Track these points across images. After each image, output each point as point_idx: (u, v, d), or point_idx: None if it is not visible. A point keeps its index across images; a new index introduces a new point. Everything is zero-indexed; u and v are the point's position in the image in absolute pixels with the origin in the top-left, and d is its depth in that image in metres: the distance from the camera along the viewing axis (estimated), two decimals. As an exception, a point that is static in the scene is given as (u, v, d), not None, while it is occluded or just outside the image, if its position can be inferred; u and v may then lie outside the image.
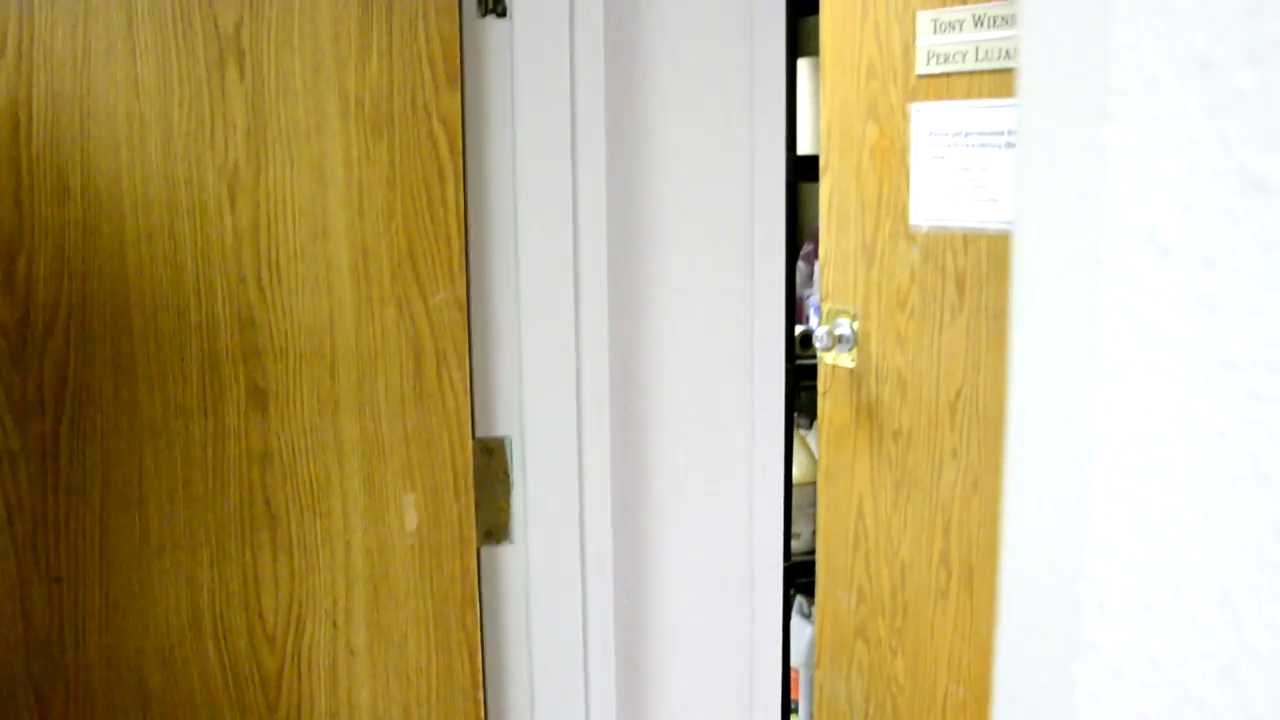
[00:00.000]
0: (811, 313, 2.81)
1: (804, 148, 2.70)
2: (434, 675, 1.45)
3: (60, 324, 1.29)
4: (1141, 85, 0.37)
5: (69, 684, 1.35)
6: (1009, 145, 2.08)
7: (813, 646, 2.72)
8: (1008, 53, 2.09)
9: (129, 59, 1.28)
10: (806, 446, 2.85)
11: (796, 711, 2.81)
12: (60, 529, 1.32)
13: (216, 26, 1.31)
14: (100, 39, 1.27)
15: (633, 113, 1.48)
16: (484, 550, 1.48)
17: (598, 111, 1.43)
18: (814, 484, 2.68)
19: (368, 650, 1.43)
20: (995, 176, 2.12)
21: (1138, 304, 0.38)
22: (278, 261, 1.35)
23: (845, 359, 2.47)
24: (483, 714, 1.48)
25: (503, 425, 1.47)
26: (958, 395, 2.23)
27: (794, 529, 2.74)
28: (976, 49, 2.13)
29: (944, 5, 2.17)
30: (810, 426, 2.94)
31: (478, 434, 1.46)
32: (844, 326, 2.46)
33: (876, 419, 2.42)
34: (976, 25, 2.13)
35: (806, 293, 2.88)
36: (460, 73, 1.38)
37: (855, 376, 2.46)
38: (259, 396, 1.36)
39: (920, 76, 2.23)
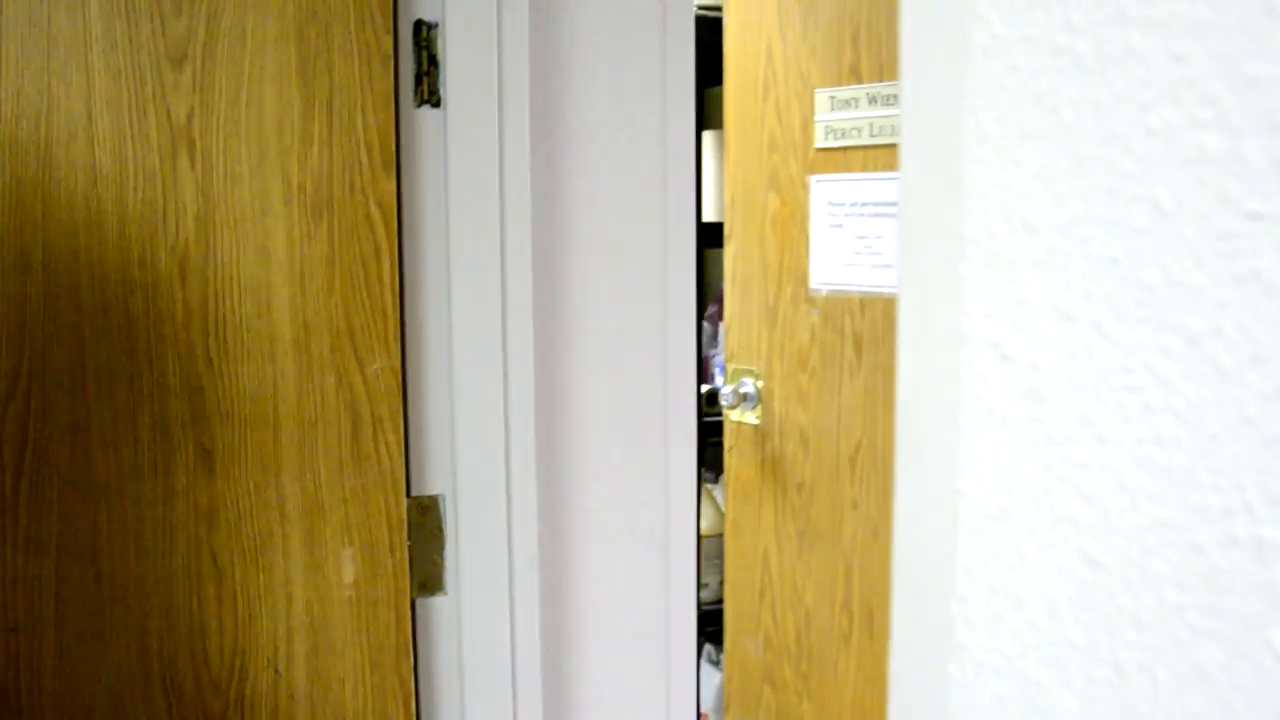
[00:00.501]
0: (717, 372, 2.97)
1: (708, 215, 2.87)
2: (371, 722, 1.56)
3: (21, 389, 1.39)
4: (986, 238, 0.53)
5: (21, 738, 1.44)
6: (900, 216, 2.27)
7: (722, 692, 2.86)
8: (899, 129, 2.28)
9: (88, 147, 1.40)
10: (713, 500, 3.00)
11: (706, 759, 2.94)
12: (18, 581, 1.41)
13: (170, 118, 1.43)
14: (62, 129, 1.38)
15: (556, 196, 1.63)
16: (418, 602, 1.60)
17: (524, 193, 1.58)
18: (720, 536, 2.83)
19: (308, 696, 1.54)
20: (889, 244, 2.30)
21: (987, 395, 0.53)
22: (225, 334, 1.47)
23: (750, 416, 2.63)
24: (418, 758, 1.59)
25: (436, 484, 1.59)
26: (857, 449, 2.40)
27: (702, 579, 2.88)
28: (871, 125, 2.33)
29: (840, 84, 2.37)
30: (716, 481, 3.09)
31: (412, 492, 1.58)
32: (749, 385, 2.62)
33: (780, 473, 2.58)
34: (871, 103, 2.32)
35: (711, 352, 3.05)
36: (397, 159, 1.52)
37: (760, 432, 2.62)
38: (206, 458, 1.47)
39: (819, 150, 2.42)
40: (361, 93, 1.49)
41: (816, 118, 2.42)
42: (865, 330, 2.36)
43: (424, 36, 1.55)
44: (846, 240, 2.38)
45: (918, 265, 0.57)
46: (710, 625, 2.85)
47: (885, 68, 2.29)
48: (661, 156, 1.70)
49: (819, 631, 2.52)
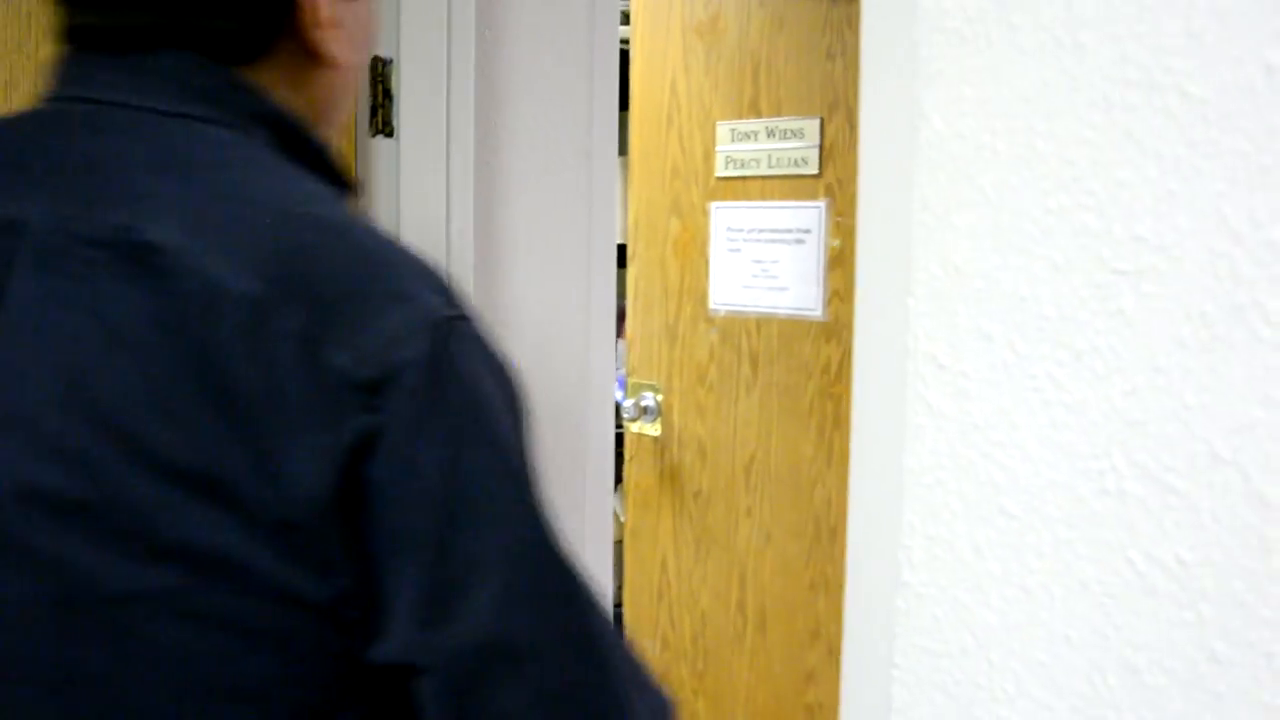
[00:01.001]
0: (617, 386, 3.18)
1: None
2: None
3: None
4: (927, 278, 0.74)
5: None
6: (798, 241, 2.51)
7: (618, 695, 3.05)
8: (795, 161, 2.52)
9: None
10: (612, 509, 3.20)
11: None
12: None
13: (147, 139, 1.58)
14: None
15: (493, 218, 1.82)
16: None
17: (468, 219, 1.76)
18: (620, 543, 3.03)
19: None
20: (784, 268, 2.53)
21: (927, 394, 0.74)
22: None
23: (650, 428, 2.84)
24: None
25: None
26: (751, 460, 2.63)
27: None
28: (769, 156, 2.56)
29: (741, 117, 2.59)
30: (615, 490, 3.29)
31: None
32: (649, 399, 2.83)
33: (679, 482, 2.79)
34: (769, 136, 2.55)
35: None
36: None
37: (659, 444, 2.83)
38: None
39: (719, 178, 2.64)
40: (324, 123, 1.66)
41: (717, 148, 2.64)
42: (761, 349, 2.58)
43: (379, 71, 1.72)
44: (744, 264, 2.61)
45: (873, 297, 0.78)
46: (609, 628, 3.04)
47: (784, 103, 2.52)
48: (587, 179, 1.90)
49: (714, 632, 2.73)
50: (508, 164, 1.83)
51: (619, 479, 3.09)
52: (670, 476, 2.81)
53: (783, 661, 2.62)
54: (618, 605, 3.06)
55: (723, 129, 2.63)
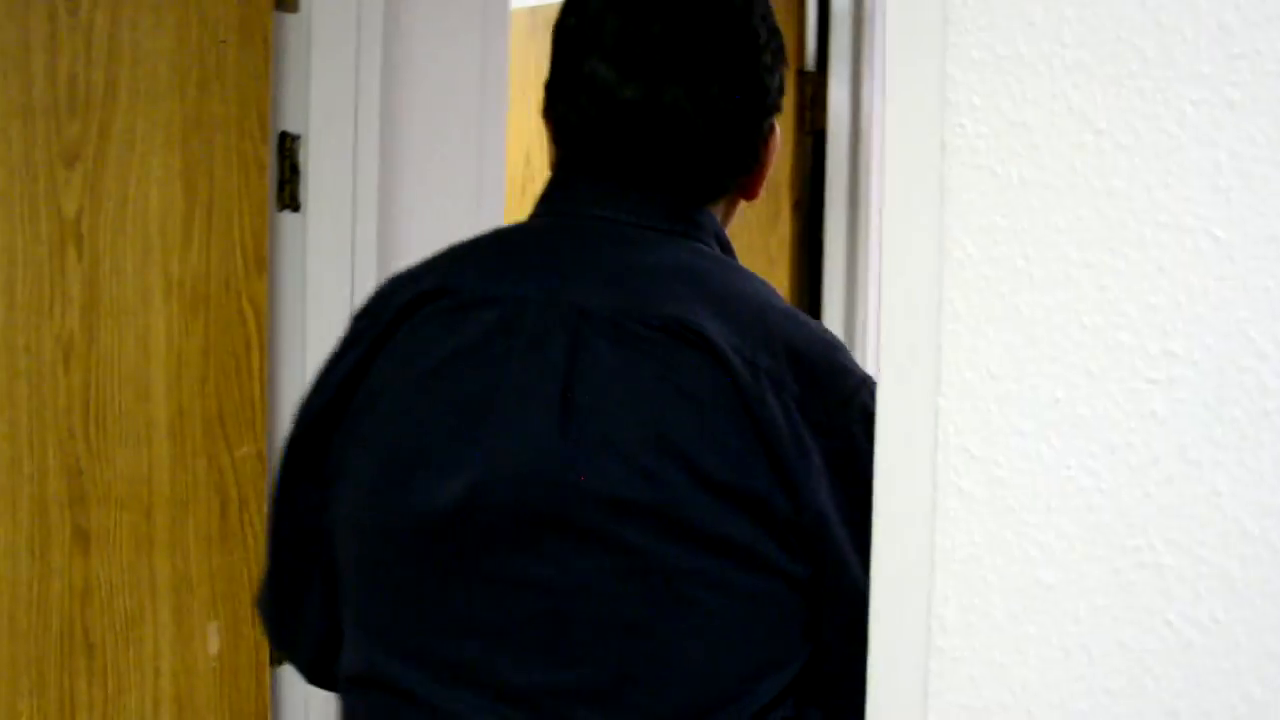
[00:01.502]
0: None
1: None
2: (227, 785, 1.74)
3: (-87, 478, 1.51)
4: (960, 381, 0.87)
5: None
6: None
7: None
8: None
9: (-15, 241, 1.55)
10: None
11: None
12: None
13: (60, 214, 1.60)
14: (-38, 224, 1.53)
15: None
16: (276, 670, 1.79)
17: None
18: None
19: (170, 766, 1.70)
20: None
21: (959, 481, 0.87)
22: (105, 419, 1.63)
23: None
24: (267, 818, 1.77)
25: (288, 558, 1.80)
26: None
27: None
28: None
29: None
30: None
31: (266, 567, 1.78)
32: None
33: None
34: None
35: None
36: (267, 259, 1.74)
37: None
38: (82, 538, 1.63)
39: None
40: (239, 198, 1.70)
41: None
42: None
43: (287, 146, 1.77)
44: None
45: (901, 396, 0.90)
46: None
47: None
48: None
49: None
50: (409, 236, 1.90)
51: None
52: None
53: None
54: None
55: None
